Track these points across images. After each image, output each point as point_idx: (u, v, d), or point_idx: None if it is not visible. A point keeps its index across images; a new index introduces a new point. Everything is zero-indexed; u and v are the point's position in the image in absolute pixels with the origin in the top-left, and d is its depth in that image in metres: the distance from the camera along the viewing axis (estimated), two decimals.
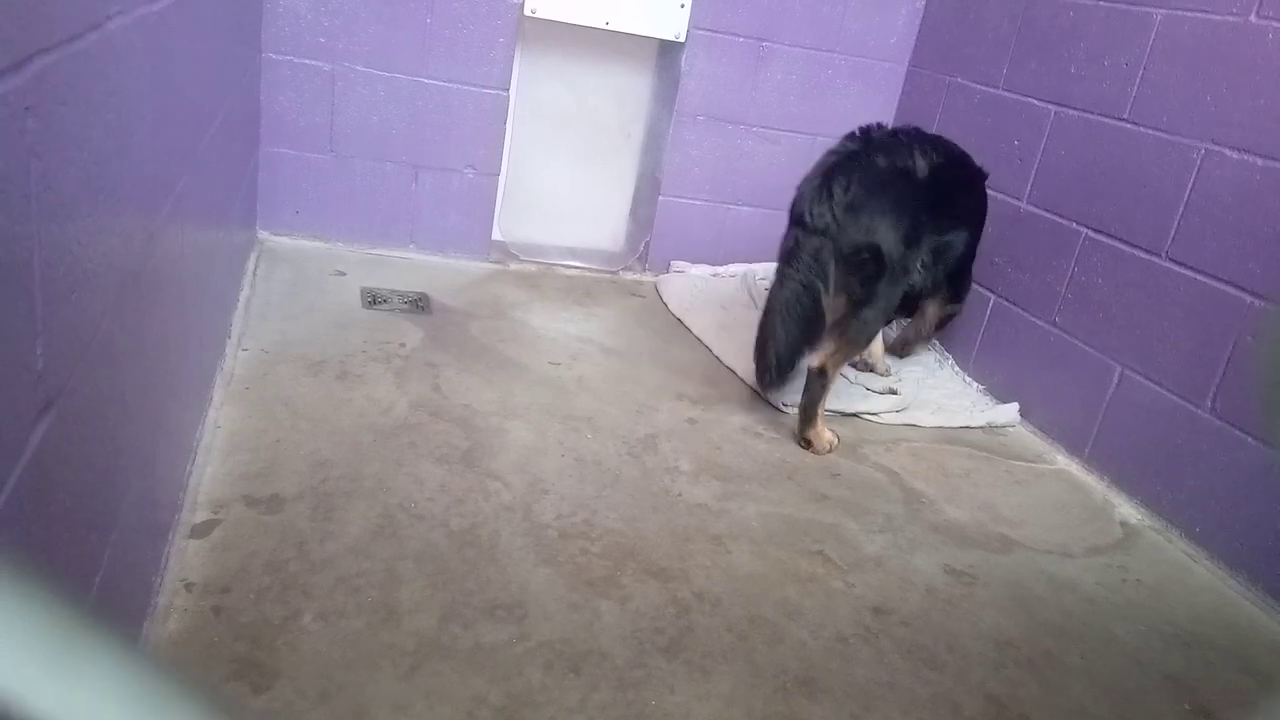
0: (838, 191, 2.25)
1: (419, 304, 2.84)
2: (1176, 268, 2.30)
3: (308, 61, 2.96)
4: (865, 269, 2.27)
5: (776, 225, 3.49)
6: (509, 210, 3.41)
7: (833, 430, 2.41)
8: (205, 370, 1.95)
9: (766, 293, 2.44)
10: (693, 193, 3.42)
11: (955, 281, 2.61)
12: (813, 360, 2.36)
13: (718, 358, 2.83)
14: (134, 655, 0.23)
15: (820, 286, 2.28)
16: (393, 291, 2.88)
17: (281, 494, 1.77)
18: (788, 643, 1.62)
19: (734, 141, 3.38)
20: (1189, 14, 2.31)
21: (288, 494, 1.77)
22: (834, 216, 2.25)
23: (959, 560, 1.99)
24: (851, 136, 2.43)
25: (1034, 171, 2.76)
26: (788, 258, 2.32)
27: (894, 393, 2.69)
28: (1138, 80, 2.44)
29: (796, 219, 2.33)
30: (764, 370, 2.42)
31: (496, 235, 3.37)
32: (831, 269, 2.27)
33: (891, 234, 2.26)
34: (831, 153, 2.39)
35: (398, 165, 3.14)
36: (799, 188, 2.38)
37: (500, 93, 3.13)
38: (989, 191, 2.69)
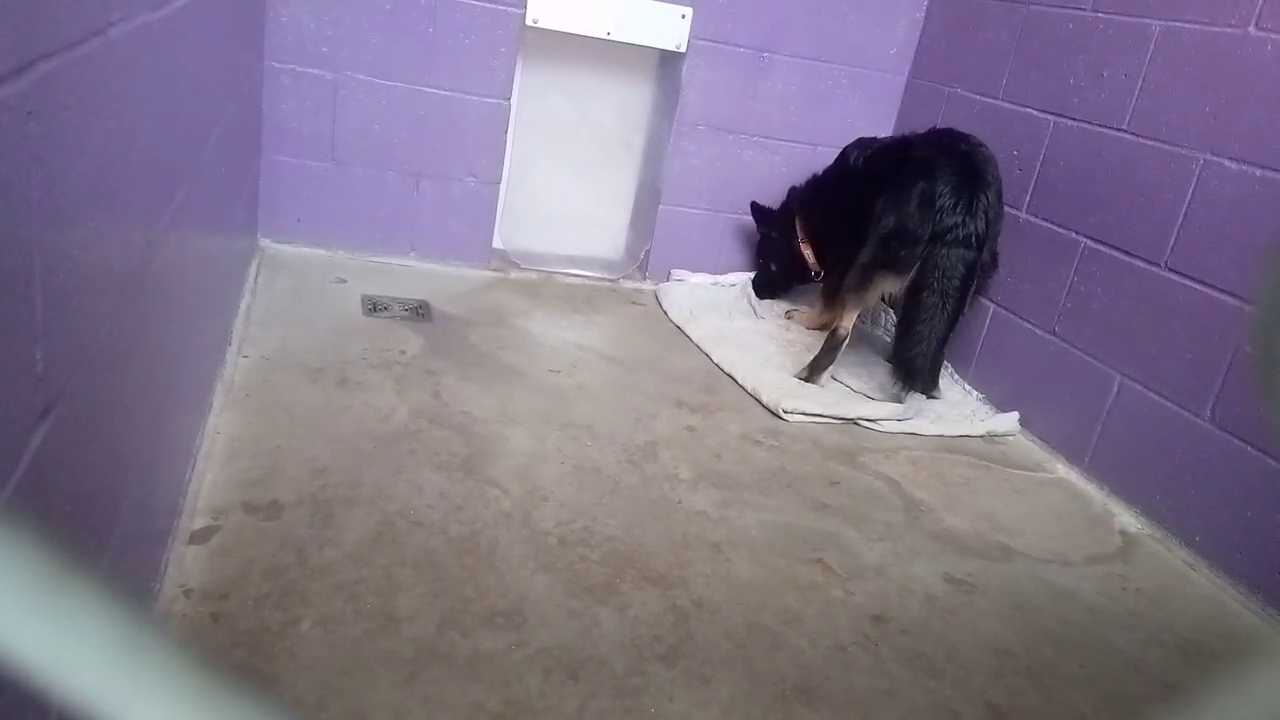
0: (982, 204, 2.55)
1: (419, 311, 2.84)
2: (1176, 277, 2.30)
3: (310, 70, 2.97)
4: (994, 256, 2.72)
5: None
6: (510, 218, 3.42)
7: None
8: (205, 376, 1.95)
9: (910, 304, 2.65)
10: (693, 202, 3.43)
11: None
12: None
13: (717, 365, 2.83)
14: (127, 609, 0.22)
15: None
16: (393, 299, 2.89)
17: (281, 500, 1.77)
18: (787, 651, 1.62)
19: (734, 151, 3.39)
20: (1188, 25, 2.32)
21: (287, 501, 1.77)
22: (986, 226, 2.56)
23: (958, 569, 1.98)
24: (952, 151, 2.65)
25: (1033, 181, 2.77)
26: (948, 274, 2.55)
27: (899, 401, 2.68)
28: (1137, 91, 2.45)
29: (961, 239, 2.54)
30: (927, 374, 2.68)
31: (497, 243, 3.37)
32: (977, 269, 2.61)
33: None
34: (955, 172, 2.58)
35: (399, 173, 3.15)
36: (939, 208, 2.54)
37: (502, 102, 3.14)
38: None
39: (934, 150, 2.67)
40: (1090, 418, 2.50)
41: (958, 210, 2.53)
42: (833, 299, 3.04)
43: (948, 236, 2.53)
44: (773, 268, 3.35)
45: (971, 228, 2.53)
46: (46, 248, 0.80)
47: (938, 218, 2.53)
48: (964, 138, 2.71)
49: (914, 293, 2.60)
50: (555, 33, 3.14)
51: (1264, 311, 0.23)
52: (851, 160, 2.97)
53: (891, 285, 2.65)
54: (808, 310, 3.31)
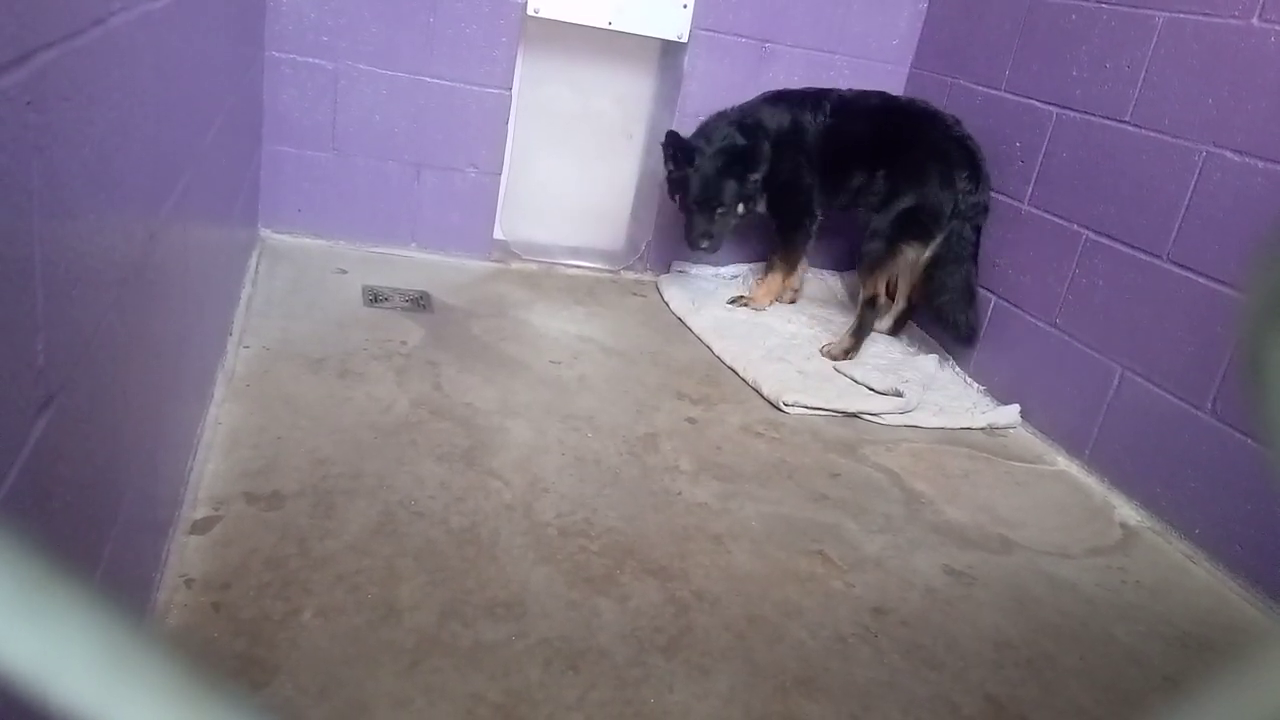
0: (984, 175, 2.89)
1: (420, 302, 2.84)
2: (1177, 270, 2.30)
3: (310, 60, 2.96)
4: None
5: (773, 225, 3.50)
6: (511, 209, 3.41)
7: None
8: (207, 367, 1.95)
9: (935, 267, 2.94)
10: None
11: None
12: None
13: (718, 357, 2.83)
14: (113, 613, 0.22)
15: None
16: (394, 290, 2.89)
17: (282, 491, 1.77)
18: (787, 642, 1.63)
19: None
20: (1191, 17, 2.31)
21: (288, 491, 1.78)
22: (989, 192, 2.90)
23: (958, 561, 1.99)
24: (950, 134, 2.94)
25: (1035, 173, 2.77)
26: (965, 240, 2.87)
27: (899, 394, 2.68)
28: (1139, 83, 2.44)
29: (982, 209, 2.89)
30: (967, 325, 2.94)
31: (498, 234, 3.37)
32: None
33: None
34: (962, 151, 2.89)
35: (400, 164, 3.14)
36: (960, 190, 2.85)
37: (503, 92, 3.13)
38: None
39: (927, 127, 2.97)
40: (1091, 410, 2.50)
41: (979, 190, 2.87)
42: (794, 262, 3.26)
43: (969, 212, 2.86)
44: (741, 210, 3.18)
45: (983, 198, 2.88)
46: (47, 239, 0.80)
47: (960, 196, 2.85)
48: (935, 111, 3.03)
49: (939, 264, 2.91)
50: (556, 22, 3.13)
51: (1253, 306, 0.23)
52: (805, 122, 3.07)
53: (914, 255, 2.94)
54: (763, 281, 3.31)
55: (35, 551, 0.21)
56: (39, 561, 0.21)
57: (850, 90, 3.18)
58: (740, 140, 3.06)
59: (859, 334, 2.98)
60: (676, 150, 3.05)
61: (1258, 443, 2.06)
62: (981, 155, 2.90)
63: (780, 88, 3.21)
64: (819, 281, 3.55)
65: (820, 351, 2.97)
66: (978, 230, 2.90)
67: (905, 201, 2.91)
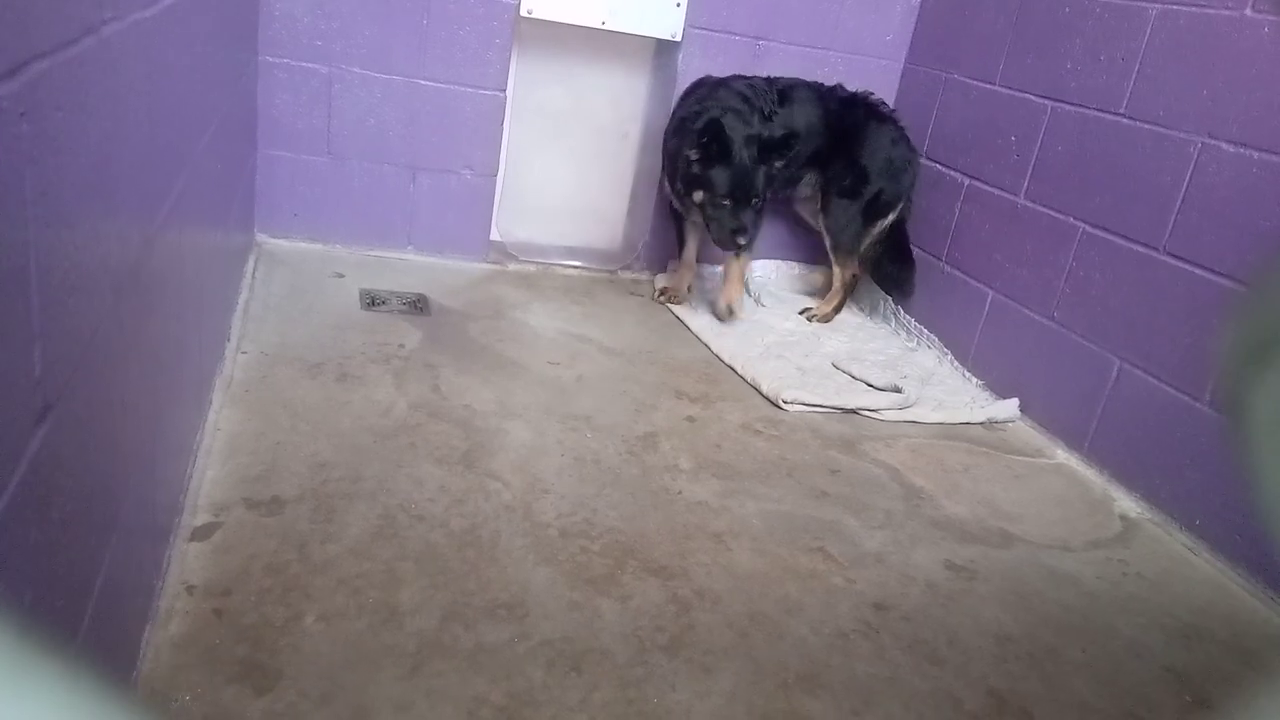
0: (912, 146, 3.24)
1: (417, 305, 2.84)
2: (1174, 262, 2.30)
3: (305, 64, 2.96)
4: None
5: (772, 223, 3.50)
6: (507, 211, 3.41)
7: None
8: (204, 373, 1.95)
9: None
10: None
11: None
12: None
13: (716, 355, 2.83)
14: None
15: None
16: (391, 293, 2.88)
17: (282, 496, 1.77)
18: (788, 639, 1.63)
19: None
20: (1185, 8, 2.31)
21: (288, 496, 1.78)
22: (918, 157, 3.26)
23: (959, 555, 1.99)
24: (890, 118, 3.22)
25: (1031, 166, 2.77)
26: (908, 209, 3.24)
27: (898, 390, 2.69)
28: (1134, 75, 2.45)
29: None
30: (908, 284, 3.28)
31: (494, 236, 3.37)
32: None
33: None
34: (905, 136, 3.19)
35: (395, 167, 3.14)
36: (913, 170, 3.21)
37: (497, 93, 3.13)
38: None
39: (867, 112, 3.20)
40: (1090, 403, 2.51)
41: (915, 159, 3.19)
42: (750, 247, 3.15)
43: (914, 186, 3.21)
44: None
45: (918, 167, 3.21)
46: (42, 248, 0.80)
47: (909, 169, 3.18)
48: (864, 96, 3.23)
49: (890, 230, 3.23)
50: (550, 23, 3.13)
51: (1234, 348, 0.23)
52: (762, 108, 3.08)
53: (878, 229, 3.22)
54: (726, 272, 3.20)
55: (12, 628, 0.21)
56: (16, 639, 0.21)
57: (782, 77, 3.19)
58: (767, 130, 2.91)
59: (839, 308, 3.33)
60: (713, 141, 2.79)
61: (1241, 480, 2.06)
62: (905, 125, 3.21)
63: (703, 75, 3.15)
64: (820, 276, 3.55)
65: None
66: (909, 195, 3.23)
67: (873, 187, 3.15)
